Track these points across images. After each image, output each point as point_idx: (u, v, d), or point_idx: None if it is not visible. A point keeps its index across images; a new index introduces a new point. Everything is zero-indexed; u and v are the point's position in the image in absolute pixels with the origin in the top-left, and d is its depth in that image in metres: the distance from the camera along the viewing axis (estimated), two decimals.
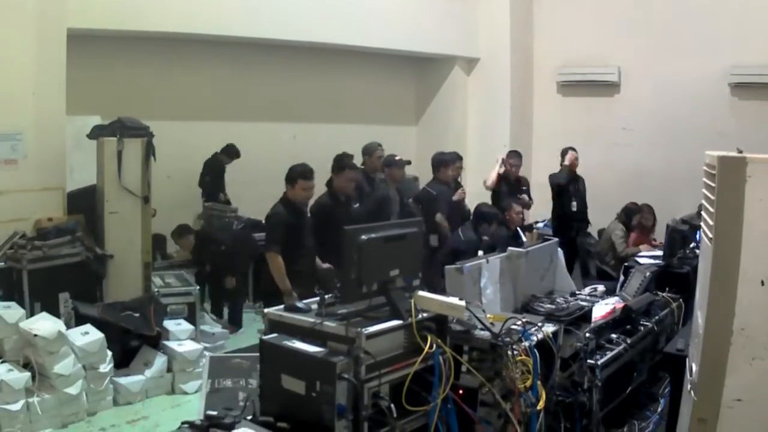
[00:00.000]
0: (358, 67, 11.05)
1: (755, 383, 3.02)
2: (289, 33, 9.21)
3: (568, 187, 9.06)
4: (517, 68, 11.56)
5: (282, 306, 3.36)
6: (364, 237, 3.11)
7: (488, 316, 3.68)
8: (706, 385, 3.13)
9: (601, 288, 5.63)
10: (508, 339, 3.47)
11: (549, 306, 4.43)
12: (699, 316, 3.39)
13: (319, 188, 6.57)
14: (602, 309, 5.04)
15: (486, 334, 3.49)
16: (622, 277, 6.67)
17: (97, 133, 6.80)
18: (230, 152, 9.52)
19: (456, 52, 11.60)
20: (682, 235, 7.14)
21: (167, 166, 7.87)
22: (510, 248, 4.77)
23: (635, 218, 8.78)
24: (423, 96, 12.40)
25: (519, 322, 3.65)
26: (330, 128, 10.67)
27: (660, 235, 8.37)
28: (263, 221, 6.47)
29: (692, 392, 3.24)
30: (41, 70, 6.65)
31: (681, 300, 6.03)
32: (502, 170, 8.84)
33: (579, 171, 9.20)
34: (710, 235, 3.11)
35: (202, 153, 9.46)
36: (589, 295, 5.29)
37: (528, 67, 11.87)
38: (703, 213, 3.46)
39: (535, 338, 3.69)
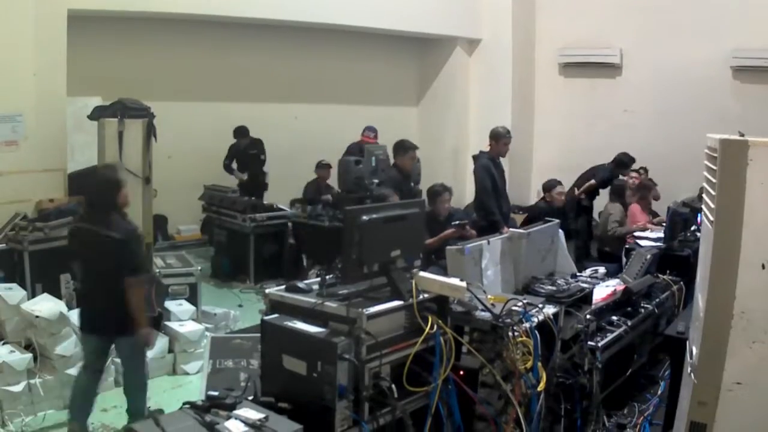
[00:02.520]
0: (359, 47, 11.00)
1: (755, 366, 3.03)
2: (290, 13, 9.17)
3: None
4: (518, 49, 11.51)
5: (283, 286, 3.36)
6: (364, 217, 3.11)
7: (489, 297, 3.69)
8: (706, 368, 3.13)
9: (601, 270, 5.65)
10: (508, 320, 3.48)
11: (550, 287, 4.43)
12: (699, 299, 3.40)
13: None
14: (603, 291, 5.06)
15: (487, 315, 3.50)
16: (624, 259, 6.67)
17: (98, 114, 6.78)
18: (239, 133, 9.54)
19: (458, 33, 11.55)
20: (683, 218, 7.14)
21: (168, 146, 7.84)
22: (511, 229, 4.78)
23: (628, 193, 8.74)
24: (424, 77, 12.35)
25: (520, 304, 3.65)
26: (331, 109, 10.65)
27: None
28: None
29: (692, 375, 3.24)
30: (42, 51, 6.63)
31: (682, 283, 6.05)
32: None
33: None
34: (711, 219, 3.11)
35: (203, 133, 9.45)
36: (590, 277, 5.30)
37: (530, 48, 11.81)
38: (704, 196, 3.46)
39: (535, 320, 3.69)
